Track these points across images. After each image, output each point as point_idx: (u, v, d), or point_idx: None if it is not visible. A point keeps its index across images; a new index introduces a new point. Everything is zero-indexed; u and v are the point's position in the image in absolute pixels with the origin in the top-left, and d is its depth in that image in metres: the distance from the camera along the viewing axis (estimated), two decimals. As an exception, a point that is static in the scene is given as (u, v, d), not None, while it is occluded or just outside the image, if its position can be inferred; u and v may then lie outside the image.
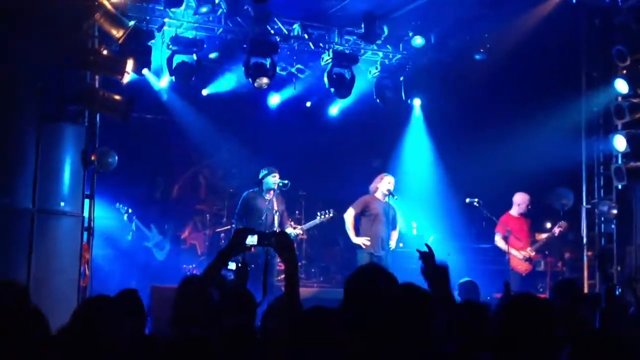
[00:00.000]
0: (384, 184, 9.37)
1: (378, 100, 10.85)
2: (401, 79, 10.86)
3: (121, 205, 9.45)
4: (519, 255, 9.77)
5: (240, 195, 9.42)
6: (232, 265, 3.28)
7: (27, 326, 2.75)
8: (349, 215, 9.37)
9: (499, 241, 9.99)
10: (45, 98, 7.37)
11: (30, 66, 7.09)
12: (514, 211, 10.04)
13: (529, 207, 10.00)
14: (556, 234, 9.92)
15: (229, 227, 10.90)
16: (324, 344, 2.60)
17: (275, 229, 8.79)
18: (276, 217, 9.00)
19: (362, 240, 9.26)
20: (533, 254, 9.90)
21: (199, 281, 3.42)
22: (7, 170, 7.15)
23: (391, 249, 9.47)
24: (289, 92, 11.27)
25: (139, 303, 4.52)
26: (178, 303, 3.15)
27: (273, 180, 9.04)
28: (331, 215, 9.62)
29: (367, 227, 9.32)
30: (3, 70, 6.98)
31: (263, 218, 8.89)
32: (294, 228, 9.62)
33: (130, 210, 9.41)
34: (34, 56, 7.07)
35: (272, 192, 9.05)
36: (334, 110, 12.10)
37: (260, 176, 9.15)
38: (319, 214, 9.69)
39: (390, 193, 9.38)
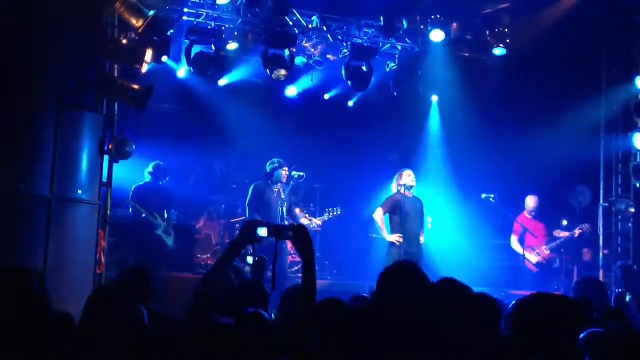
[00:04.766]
0: (404, 179, 9.37)
1: (395, 94, 10.80)
2: (419, 73, 10.80)
3: (130, 199, 9.51)
4: (532, 260, 9.71)
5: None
6: (250, 260, 3.30)
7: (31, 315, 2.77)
8: (378, 215, 9.41)
9: (514, 243, 9.99)
10: (65, 86, 7.40)
11: (50, 54, 7.12)
12: (527, 213, 10.06)
13: (537, 207, 9.98)
14: (576, 236, 9.86)
15: (243, 217, 10.93)
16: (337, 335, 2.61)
17: (286, 220, 8.88)
18: (284, 208, 9.12)
19: (395, 238, 9.24)
20: (548, 252, 9.84)
21: (212, 272, 3.43)
22: (26, 157, 7.18)
23: (422, 243, 9.45)
24: (306, 84, 11.25)
25: (149, 281, 4.54)
26: (199, 292, 3.15)
27: (284, 174, 9.15)
28: (338, 212, 9.95)
29: (398, 224, 9.30)
30: (23, 57, 7.01)
31: (274, 210, 8.99)
32: (310, 220, 9.69)
33: (136, 205, 9.45)
34: (55, 44, 7.10)
35: (279, 184, 9.14)
36: (351, 103, 12.10)
37: (271, 168, 9.21)
38: (327, 210, 9.91)
39: (406, 187, 9.40)
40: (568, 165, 10.22)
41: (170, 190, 10.13)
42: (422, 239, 9.46)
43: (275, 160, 9.26)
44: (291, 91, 11.33)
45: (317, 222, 9.83)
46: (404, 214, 9.27)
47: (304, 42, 10.32)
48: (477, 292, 3.36)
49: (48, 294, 3.14)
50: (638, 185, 10.13)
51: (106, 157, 7.94)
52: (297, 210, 10.10)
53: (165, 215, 9.73)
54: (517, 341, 2.79)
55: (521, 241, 9.98)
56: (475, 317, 3.00)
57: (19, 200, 7.04)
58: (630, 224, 10.33)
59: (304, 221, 9.43)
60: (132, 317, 3.05)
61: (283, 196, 9.14)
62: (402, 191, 9.38)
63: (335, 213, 9.82)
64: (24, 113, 7.12)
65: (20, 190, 7.02)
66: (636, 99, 10.06)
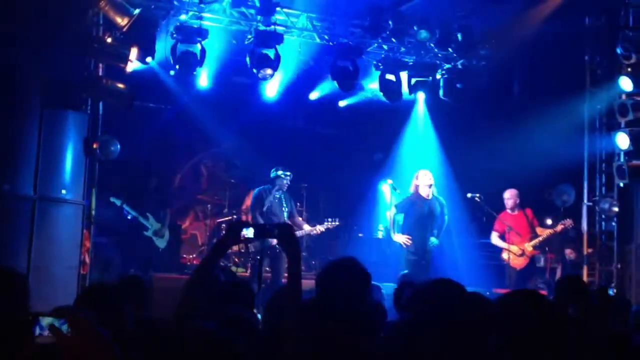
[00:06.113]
0: (422, 179, 9.36)
1: (382, 94, 10.81)
2: (405, 72, 10.82)
3: (115, 199, 9.45)
4: (515, 251, 9.76)
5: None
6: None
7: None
8: (389, 214, 9.44)
9: (494, 239, 10.03)
10: (49, 85, 7.36)
11: (34, 53, 7.08)
12: (507, 208, 10.11)
13: (517, 201, 10.00)
14: (558, 231, 9.90)
15: (230, 217, 10.95)
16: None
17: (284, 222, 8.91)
18: (285, 214, 9.29)
19: (402, 239, 9.22)
20: (530, 249, 9.88)
21: (197, 273, 3.42)
22: (9, 157, 7.14)
23: (433, 242, 9.33)
24: (292, 83, 11.22)
25: (142, 289, 4.52)
26: (185, 294, 3.14)
27: (285, 183, 9.32)
28: (337, 223, 9.86)
29: (410, 227, 9.28)
30: (7, 56, 6.97)
31: (276, 215, 9.17)
32: (310, 229, 9.69)
33: (124, 204, 9.43)
34: (39, 43, 7.06)
35: (280, 191, 9.33)
36: (342, 103, 12.10)
37: (274, 176, 9.26)
38: (326, 220, 9.93)
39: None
40: (552, 164, 10.26)
41: (165, 191, 10.12)
42: (432, 239, 9.33)
43: (282, 171, 9.30)
44: (272, 90, 11.25)
45: (316, 231, 9.84)
46: (416, 215, 9.23)
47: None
48: (470, 292, 3.38)
49: (30, 294, 3.12)
50: (621, 184, 10.20)
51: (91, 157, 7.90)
52: (299, 219, 10.08)
53: (161, 216, 9.70)
54: (495, 339, 2.80)
55: (503, 239, 10.01)
56: (471, 316, 3.01)
57: (2, 200, 7.00)
58: (613, 223, 10.41)
59: (306, 228, 9.49)
60: (116, 319, 3.04)
61: (284, 202, 9.33)
62: (421, 192, 9.33)
63: (334, 223, 9.86)
64: (7, 112, 7.08)
65: (5, 190, 6.98)
66: (619, 99, 10.13)
